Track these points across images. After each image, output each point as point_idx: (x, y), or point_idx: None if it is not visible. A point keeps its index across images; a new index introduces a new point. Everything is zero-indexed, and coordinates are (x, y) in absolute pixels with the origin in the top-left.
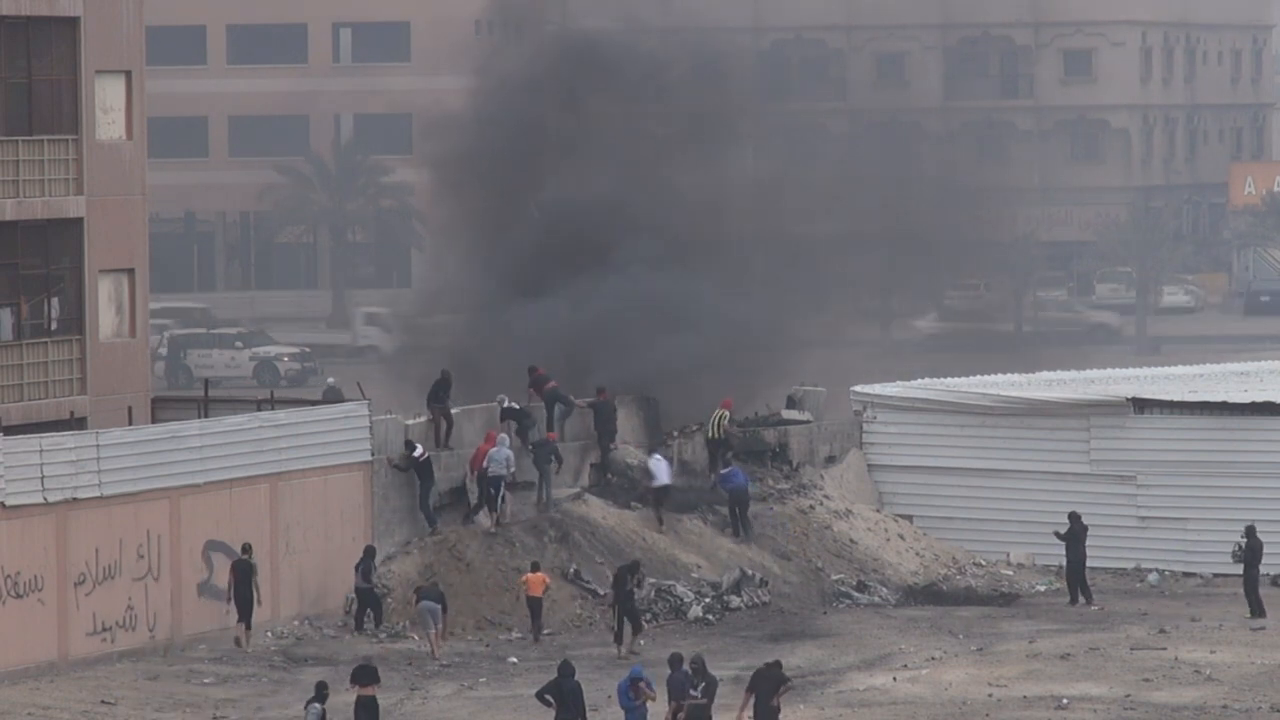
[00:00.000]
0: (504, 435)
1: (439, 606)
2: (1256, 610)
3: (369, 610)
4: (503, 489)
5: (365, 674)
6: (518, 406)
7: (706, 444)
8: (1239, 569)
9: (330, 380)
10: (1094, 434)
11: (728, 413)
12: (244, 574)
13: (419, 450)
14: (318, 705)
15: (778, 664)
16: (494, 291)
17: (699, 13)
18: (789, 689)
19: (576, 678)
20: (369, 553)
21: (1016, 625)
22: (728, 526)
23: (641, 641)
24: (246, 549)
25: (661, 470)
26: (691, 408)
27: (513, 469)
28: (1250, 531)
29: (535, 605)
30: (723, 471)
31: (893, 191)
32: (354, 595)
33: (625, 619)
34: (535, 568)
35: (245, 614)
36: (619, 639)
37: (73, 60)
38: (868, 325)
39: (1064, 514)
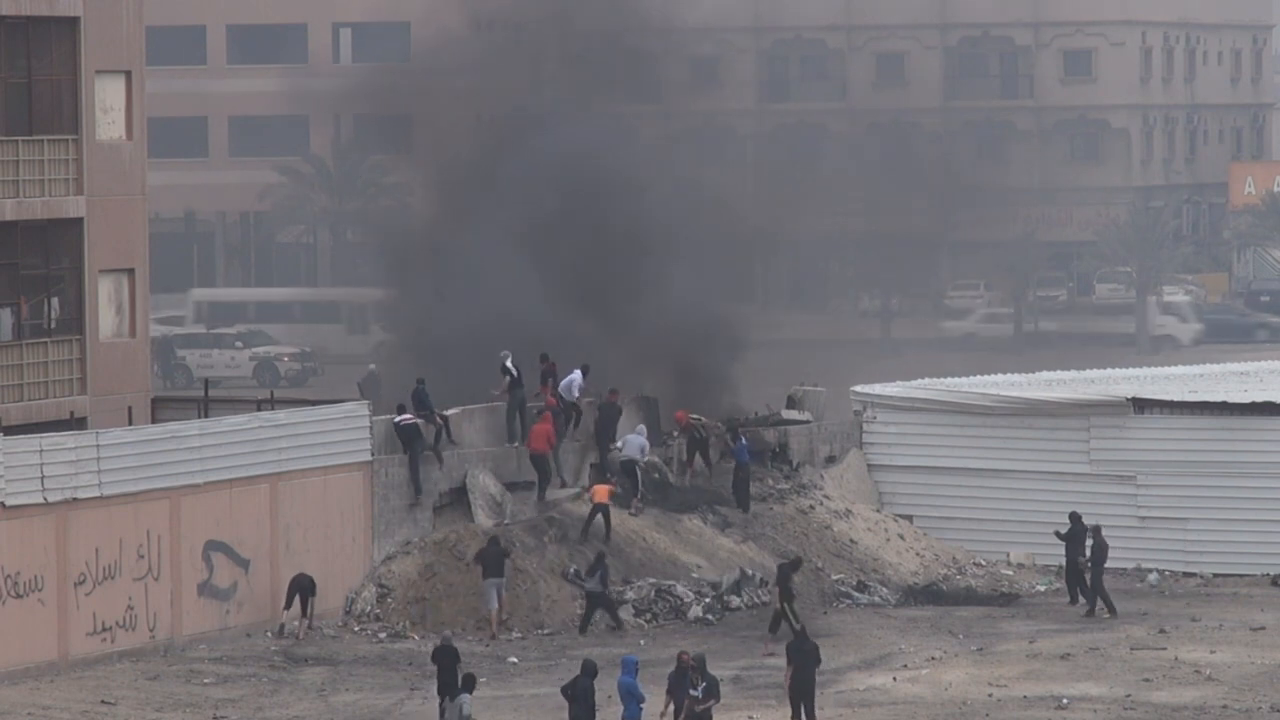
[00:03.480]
0: (642, 425)
1: (502, 581)
2: (1108, 606)
3: (600, 613)
4: (638, 474)
5: (445, 654)
6: (516, 372)
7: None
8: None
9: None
10: (1094, 434)
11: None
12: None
13: (403, 416)
14: (466, 695)
15: (803, 631)
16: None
17: (699, 13)
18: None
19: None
20: (600, 558)
21: (1016, 625)
22: (728, 526)
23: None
24: None
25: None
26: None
27: (646, 455)
28: (1096, 531)
29: (601, 509)
30: (735, 447)
31: (893, 191)
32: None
33: (789, 615)
34: (598, 481)
35: (302, 604)
36: (796, 628)
37: (73, 60)
38: (868, 325)
39: (1064, 514)
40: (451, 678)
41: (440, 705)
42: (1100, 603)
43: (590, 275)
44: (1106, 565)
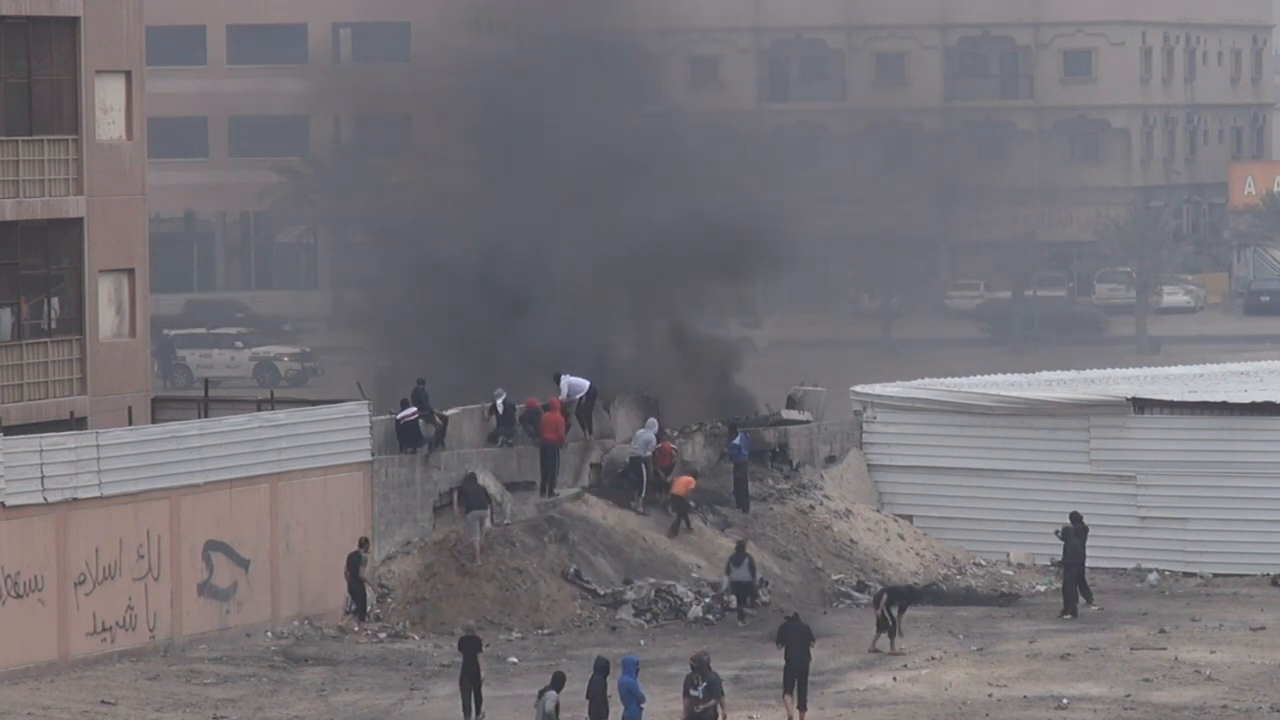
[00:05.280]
0: (653, 419)
1: (485, 513)
2: (1069, 607)
3: (748, 599)
4: (644, 470)
5: (469, 644)
6: (507, 404)
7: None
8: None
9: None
10: (1094, 434)
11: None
12: (355, 566)
13: (405, 411)
14: (553, 693)
15: (796, 615)
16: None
17: (700, 13)
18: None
19: (604, 676)
20: (741, 547)
21: (1016, 625)
22: (728, 526)
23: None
24: (363, 543)
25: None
26: (689, 407)
27: (650, 450)
28: (1068, 533)
29: (680, 504)
30: (735, 443)
31: (893, 191)
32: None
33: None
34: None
35: (359, 604)
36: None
37: (73, 60)
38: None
39: (1064, 514)
40: (475, 667)
41: (462, 692)
42: (1064, 599)
43: (597, 192)
44: (1092, 565)
